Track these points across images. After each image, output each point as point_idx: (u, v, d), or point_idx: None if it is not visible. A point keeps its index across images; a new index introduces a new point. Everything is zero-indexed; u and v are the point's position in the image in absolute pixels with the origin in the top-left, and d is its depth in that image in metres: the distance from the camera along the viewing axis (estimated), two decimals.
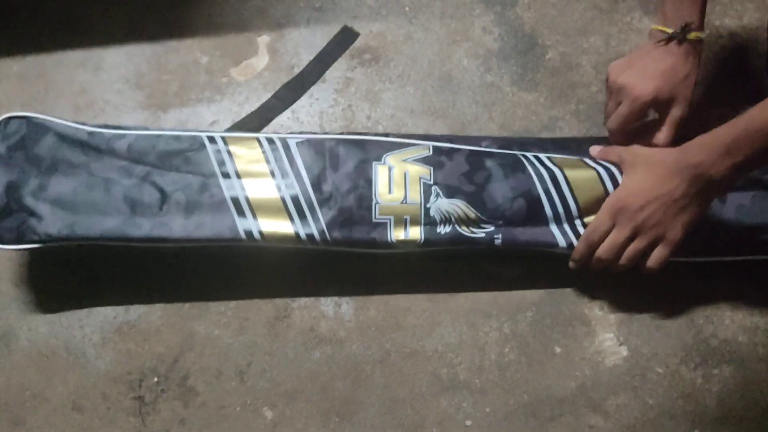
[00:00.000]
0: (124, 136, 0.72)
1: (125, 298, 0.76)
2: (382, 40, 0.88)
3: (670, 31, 0.70)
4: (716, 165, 0.61)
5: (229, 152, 0.71)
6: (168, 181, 0.70)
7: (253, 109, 0.84)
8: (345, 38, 0.88)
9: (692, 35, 0.70)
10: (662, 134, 0.72)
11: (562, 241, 0.72)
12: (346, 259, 0.74)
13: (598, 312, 0.76)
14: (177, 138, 0.72)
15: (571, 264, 0.73)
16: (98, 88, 0.85)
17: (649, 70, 0.71)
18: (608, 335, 0.76)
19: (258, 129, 0.83)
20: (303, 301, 0.76)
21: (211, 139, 0.72)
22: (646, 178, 0.68)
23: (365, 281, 0.77)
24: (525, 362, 0.75)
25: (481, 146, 0.76)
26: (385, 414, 0.72)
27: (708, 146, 0.62)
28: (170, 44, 0.88)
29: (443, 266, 0.78)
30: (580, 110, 0.85)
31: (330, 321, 0.76)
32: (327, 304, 0.76)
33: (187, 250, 0.73)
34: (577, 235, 0.72)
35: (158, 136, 0.72)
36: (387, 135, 0.76)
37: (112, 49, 0.88)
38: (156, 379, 0.73)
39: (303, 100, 0.85)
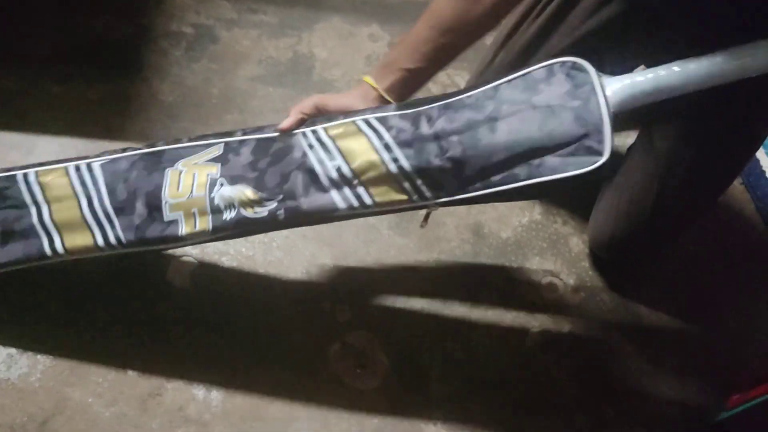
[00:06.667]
0: None
1: (10, 357, 0.81)
2: None
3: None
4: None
5: (39, 183, 0.79)
6: None
7: None
8: None
9: (365, 78, 0.76)
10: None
11: (342, 204, 0.74)
12: (215, 347, 0.84)
13: (432, 428, 0.89)
14: None
15: None
16: None
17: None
18: None
19: None
20: (177, 383, 0.84)
21: (26, 176, 0.79)
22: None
23: (233, 373, 0.86)
24: None
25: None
26: None
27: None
28: (101, 144, 1.00)
29: (308, 370, 0.88)
30: (441, 258, 1.03)
31: (199, 404, 0.83)
32: (198, 388, 0.84)
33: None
34: (357, 196, 0.74)
35: None
36: (179, 140, 0.81)
37: (47, 138, 1.00)
38: None
39: None
